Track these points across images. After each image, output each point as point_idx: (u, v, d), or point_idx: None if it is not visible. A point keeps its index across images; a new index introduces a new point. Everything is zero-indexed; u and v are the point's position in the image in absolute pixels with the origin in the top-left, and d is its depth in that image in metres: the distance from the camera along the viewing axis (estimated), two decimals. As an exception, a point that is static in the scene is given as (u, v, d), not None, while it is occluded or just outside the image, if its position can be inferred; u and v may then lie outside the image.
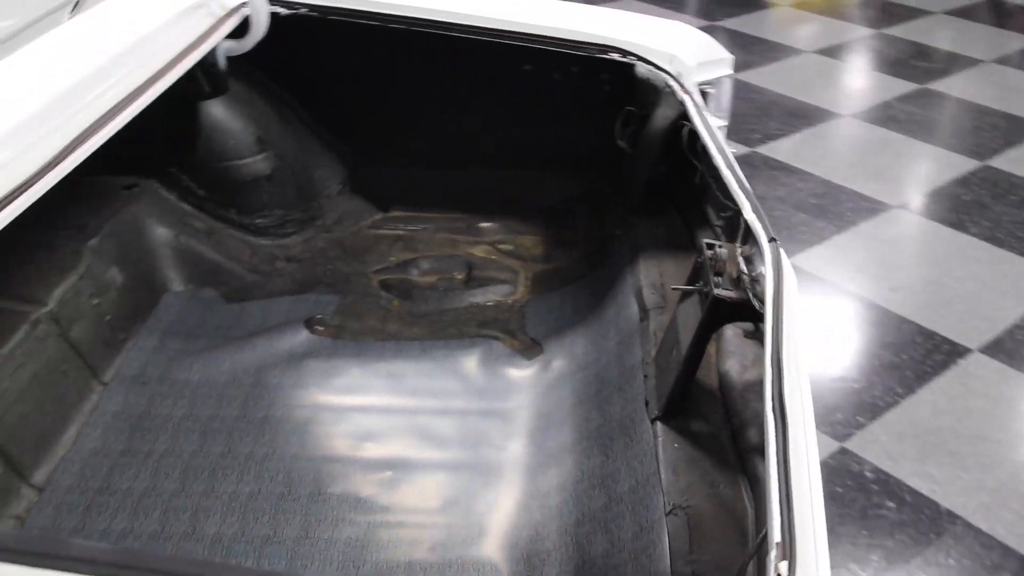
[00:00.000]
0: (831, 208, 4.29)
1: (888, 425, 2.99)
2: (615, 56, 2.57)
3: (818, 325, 3.50)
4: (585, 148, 2.90)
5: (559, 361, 2.46)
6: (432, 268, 2.92)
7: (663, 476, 1.84)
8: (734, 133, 4.62)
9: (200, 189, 2.89)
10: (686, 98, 2.40)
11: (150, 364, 2.48)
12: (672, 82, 2.47)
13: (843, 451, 2.88)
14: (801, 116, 5.24)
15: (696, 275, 2.01)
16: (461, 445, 2.23)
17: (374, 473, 2.16)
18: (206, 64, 2.63)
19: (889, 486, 2.77)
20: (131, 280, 2.62)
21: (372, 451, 2.22)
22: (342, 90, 3.05)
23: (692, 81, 2.50)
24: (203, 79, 2.68)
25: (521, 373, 2.46)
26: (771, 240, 1.82)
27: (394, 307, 2.75)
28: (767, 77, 5.75)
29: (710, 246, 1.94)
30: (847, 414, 3.03)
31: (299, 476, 2.15)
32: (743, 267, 1.88)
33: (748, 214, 1.91)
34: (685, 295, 2.03)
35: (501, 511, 2.06)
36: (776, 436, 1.33)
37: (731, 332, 2.09)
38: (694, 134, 2.30)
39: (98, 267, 2.52)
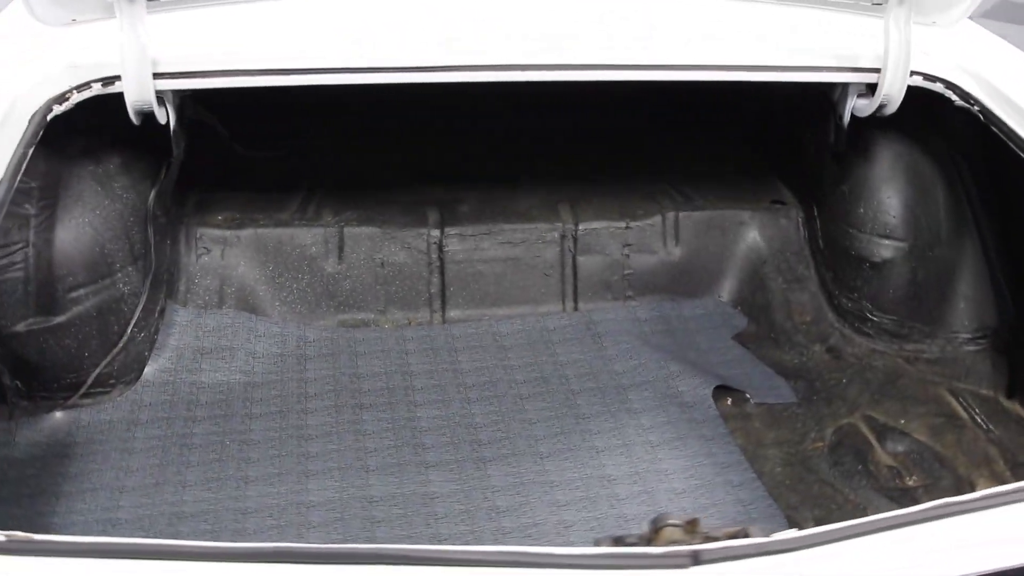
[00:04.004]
0: None
1: None
2: None
3: None
4: None
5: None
6: (911, 451, 2.26)
7: None
8: None
9: (822, 239, 2.75)
10: None
11: (609, 320, 2.72)
12: None
13: None
14: None
15: None
16: None
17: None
18: (837, 113, 2.47)
19: None
20: (683, 261, 2.80)
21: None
22: None
23: None
24: (831, 128, 2.52)
25: None
26: None
27: (813, 446, 2.32)
28: None
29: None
30: None
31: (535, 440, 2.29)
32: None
33: None
34: None
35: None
36: None
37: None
38: None
39: (660, 234, 2.79)
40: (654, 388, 2.45)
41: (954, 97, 2.26)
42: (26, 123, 1.92)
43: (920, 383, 2.49)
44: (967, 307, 2.55)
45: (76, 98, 2.04)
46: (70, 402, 2.26)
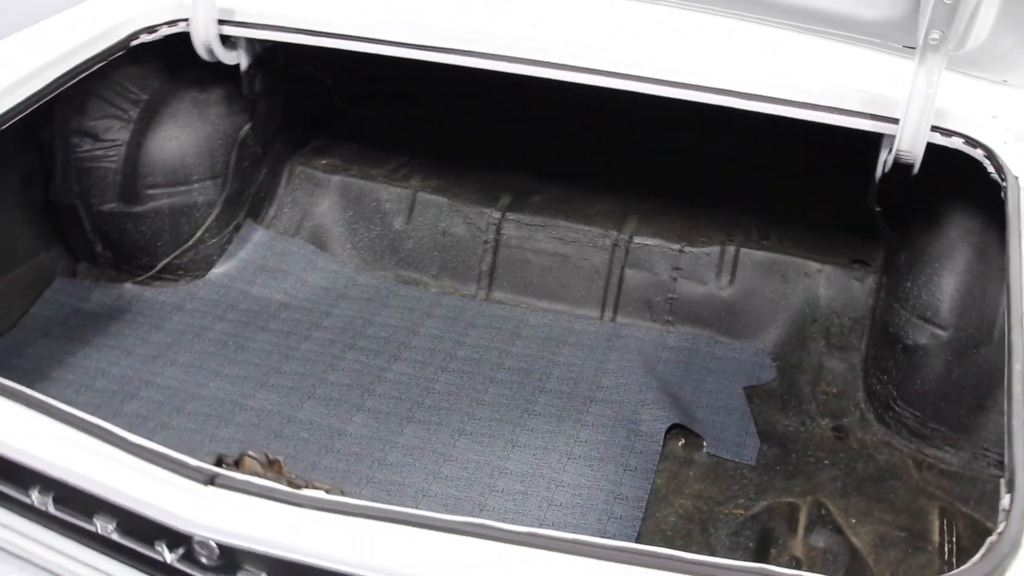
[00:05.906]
0: None
1: None
2: None
3: None
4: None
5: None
6: (830, 551, 2.00)
7: None
8: None
9: (879, 309, 2.44)
10: None
11: (634, 338, 2.66)
12: None
13: None
14: None
15: None
16: None
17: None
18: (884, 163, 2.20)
19: None
20: (732, 298, 2.64)
21: None
22: None
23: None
24: (876, 183, 2.24)
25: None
26: None
27: (732, 511, 2.14)
28: None
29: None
30: None
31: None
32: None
33: None
34: None
35: None
36: None
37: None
38: None
39: (715, 265, 2.67)
40: (618, 409, 2.39)
41: (990, 169, 1.94)
42: (111, 42, 2.39)
43: (914, 492, 2.16)
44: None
45: (164, 31, 2.48)
46: (141, 279, 2.75)
